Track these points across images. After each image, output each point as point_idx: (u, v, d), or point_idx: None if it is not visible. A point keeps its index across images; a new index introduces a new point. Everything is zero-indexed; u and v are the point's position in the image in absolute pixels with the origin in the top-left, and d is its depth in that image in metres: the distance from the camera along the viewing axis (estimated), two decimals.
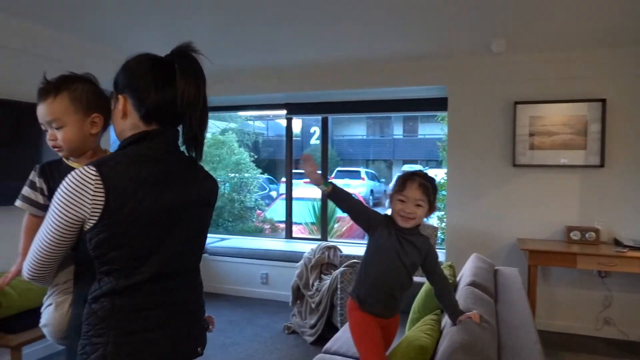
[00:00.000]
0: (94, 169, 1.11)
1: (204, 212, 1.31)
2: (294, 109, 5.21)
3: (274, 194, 11.83)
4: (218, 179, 6.76)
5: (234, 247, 5.16)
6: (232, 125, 7.89)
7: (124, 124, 1.24)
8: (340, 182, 7.73)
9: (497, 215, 4.18)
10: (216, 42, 3.83)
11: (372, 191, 15.69)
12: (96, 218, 1.11)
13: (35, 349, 3.31)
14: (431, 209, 1.85)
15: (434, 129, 17.58)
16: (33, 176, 1.38)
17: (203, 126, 1.25)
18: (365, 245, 1.95)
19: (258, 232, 6.86)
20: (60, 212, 1.12)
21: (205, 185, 1.31)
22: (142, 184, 1.15)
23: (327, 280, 3.72)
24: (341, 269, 3.52)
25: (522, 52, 3.97)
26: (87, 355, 1.13)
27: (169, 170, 1.22)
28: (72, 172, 1.13)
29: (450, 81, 4.29)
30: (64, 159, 1.40)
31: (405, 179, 1.85)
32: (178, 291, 1.24)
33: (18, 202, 1.37)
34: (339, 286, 3.48)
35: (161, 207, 1.18)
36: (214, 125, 7.20)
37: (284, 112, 5.26)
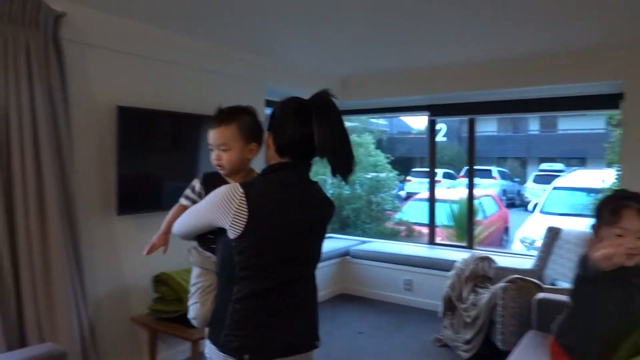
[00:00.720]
0: (242, 190, 1.36)
1: (322, 229, 1.54)
2: (438, 110, 5.02)
3: (401, 193, 11.67)
4: (356, 181, 6.87)
5: (375, 250, 5.14)
6: (354, 123, 7.83)
7: (269, 154, 1.50)
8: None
9: None
10: (358, 46, 3.83)
11: (504, 191, 14.75)
12: (240, 230, 1.35)
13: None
14: None
15: (576, 124, 15.95)
16: (196, 182, 1.68)
17: (340, 161, 1.40)
18: (574, 286, 1.69)
19: (394, 234, 6.78)
20: (205, 212, 1.43)
21: (325, 207, 1.54)
22: (278, 205, 1.40)
23: (485, 294, 3.51)
24: (502, 284, 3.29)
25: None
26: (230, 344, 1.38)
27: (298, 194, 1.45)
28: (226, 186, 1.39)
29: (629, 75, 3.76)
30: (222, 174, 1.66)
31: (619, 208, 1.53)
32: (300, 294, 1.48)
33: (182, 200, 1.70)
34: (499, 302, 3.26)
35: (291, 224, 1.41)
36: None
37: (427, 113, 5.10)
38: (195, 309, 1.57)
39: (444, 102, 4.91)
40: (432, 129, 5.20)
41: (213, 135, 1.57)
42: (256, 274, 1.38)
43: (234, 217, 1.35)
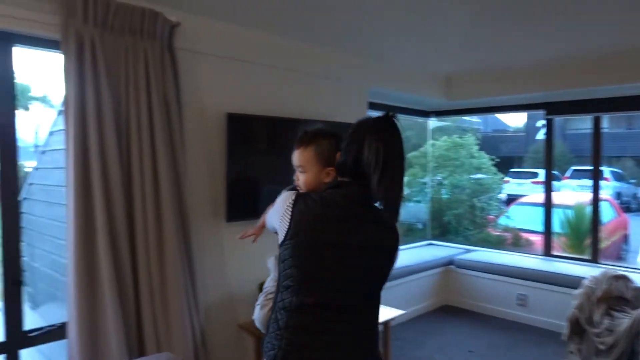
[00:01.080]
0: (293, 198, 1.40)
1: (377, 258, 1.41)
2: (556, 108, 4.55)
3: (501, 196, 10.95)
4: (457, 185, 6.49)
5: (483, 260, 4.78)
6: (446, 123, 7.36)
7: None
8: (575, 183, 6.75)
9: None
10: (465, 43, 3.54)
11: (618, 194, 13.31)
12: (282, 236, 1.38)
13: None
14: None
15: None
16: (286, 189, 1.68)
17: (383, 186, 1.32)
18: None
19: (500, 242, 6.30)
20: (270, 213, 1.52)
21: (385, 233, 1.42)
22: (323, 220, 1.37)
23: (623, 320, 3.06)
24: None
25: None
26: (267, 350, 1.39)
27: (348, 214, 1.39)
28: (286, 192, 1.47)
29: None
30: None
31: None
32: (345, 324, 1.37)
33: None
34: None
35: (336, 244, 1.36)
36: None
37: (542, 112, 4.65)
38: (256, 311, 1.63)
39: (563, 100, 4.44)
40: (549, 129, 4.72)
41: (294, 156, 1.61)
42: (293, 285, 1.36)
43: (280, 222, 1.40)
